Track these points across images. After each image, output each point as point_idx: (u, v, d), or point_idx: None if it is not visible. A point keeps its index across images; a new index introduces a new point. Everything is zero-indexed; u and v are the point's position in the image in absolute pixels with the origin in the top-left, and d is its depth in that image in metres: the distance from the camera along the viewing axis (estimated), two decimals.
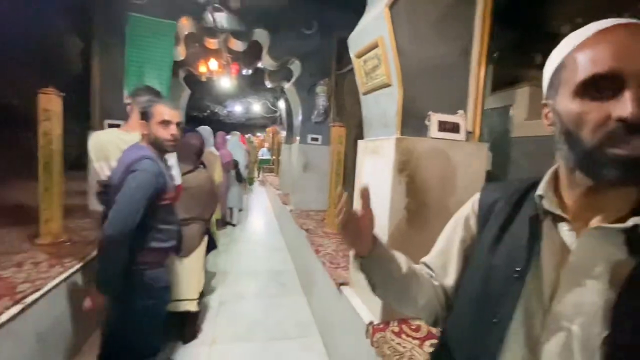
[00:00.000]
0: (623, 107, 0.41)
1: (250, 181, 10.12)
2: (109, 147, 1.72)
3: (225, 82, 6.20)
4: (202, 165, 2.72)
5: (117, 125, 3.76)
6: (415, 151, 1.62)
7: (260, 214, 7.32)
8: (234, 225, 5.82)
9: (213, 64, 5.01)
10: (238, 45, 4.62)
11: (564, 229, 0.51)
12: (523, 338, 0.51)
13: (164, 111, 1.56)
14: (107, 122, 3.70)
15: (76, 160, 4.26)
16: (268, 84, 6.02)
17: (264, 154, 12.70)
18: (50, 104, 2.52)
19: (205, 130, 3.82)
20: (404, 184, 1.61)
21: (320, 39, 4.45)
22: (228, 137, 5.99)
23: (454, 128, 1.71)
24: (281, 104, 7.16)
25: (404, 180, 1.61)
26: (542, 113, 0.55)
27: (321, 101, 4.51)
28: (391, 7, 1.54)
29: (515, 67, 2.61)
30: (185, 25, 4.11)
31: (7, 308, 1.51)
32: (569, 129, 0.47)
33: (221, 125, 9.58)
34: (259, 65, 5.75)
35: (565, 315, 0.48)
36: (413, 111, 1.67)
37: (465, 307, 0.62)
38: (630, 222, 0.45)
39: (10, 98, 4.40)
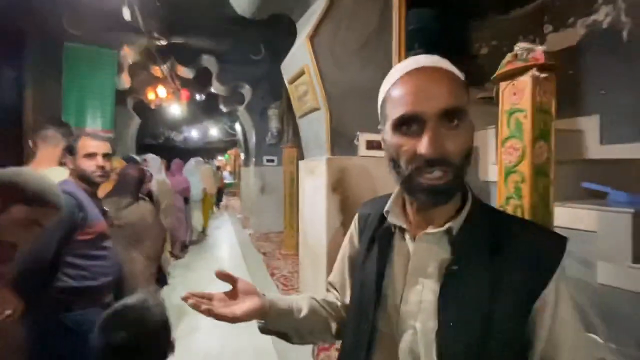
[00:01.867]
0: (422, 145, 0.48)
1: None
2: None
3: (176, 109, 6.10)
4: (146, 197, 2.62)
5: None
6: (346, 170, 1.71)
7: (222, 241, 7.10)
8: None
9: (161, 91, 4.93)
10: (186, 72, 4.60)
11: (407, 238, 0.58)
12: (386, 340, 0.57)
13: (87, 144, 1.52)
14: None
15: None
16: (223, 109, 6.02)
17: (226, 177, 12.48)
18: None
19: (152, 159, 3.71)
20: (338, 202, 1.68)
21: (270, 63, 4.56)
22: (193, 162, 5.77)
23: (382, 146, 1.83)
24: (238, 127, 7.16)
25: (337, 198, 1.69)
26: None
27: (274, 124, 4.58)
28: (311, 37, 1.66)
29: None
30: (129, 53, 4.05)
31: None
32: (393, 157, 0.53)
33: (178, 152, 9.34)
34: (212, 90, 5.75)
35: (411, 314, 0.55)
36: (342, 132, 1.76)
37: (350, 317, 0.67)
38: (446, 225, 0.53)
39: None
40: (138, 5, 2.84)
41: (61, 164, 1.66)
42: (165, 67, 4.39)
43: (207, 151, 12.58)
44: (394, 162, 0.53)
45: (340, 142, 1.77)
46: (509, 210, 0.98)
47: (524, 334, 0.50)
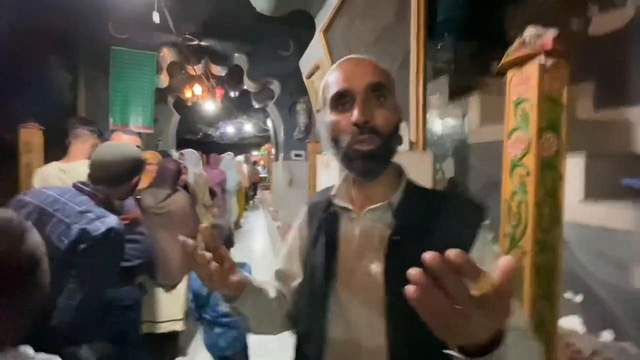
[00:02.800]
0: (353, 114, 0.56)
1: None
2: (51, 179, 1.74)
3: (211, 106, 6.39)
4: (183, 188, 2.81)
5: None
6: None
7: (253, 231, 7.38)
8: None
9: (197, 89, 5.21)
10: (219, 70, 4.81)
11: (353, 218, 0.64)
12: (339, 315, 0.61)
13: (120, 138, 1.68)
14: None
15: None
16: (255, 105, 6.21)
17: (260, 172, 12.87)
18: (31, 138, 2.67)
19: (189, 153, 3.95)
20: None
21: (298, 59, 4.62)
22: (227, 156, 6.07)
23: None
24: (269, 123, 7.34)
25: None
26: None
27: (301, 119, 4.65)
28: (325, 31, 1.67)
29: (470, 77, 2.72)
30: (167, 54, 4.33)
31: None
32: (333, 135, 0.61)
33: (215, 147, 9.81)
34: (244, 87, 5.95)
35: (360, 288, 0.59)
36: None
37: (304, 303, 0.69)
38: (386, 201, 0.60)
39: (1, 131, 4.62)
40: (168, 9, 3.02)
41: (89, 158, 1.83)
42: (199, 66, 4.62)
43: (242, 146, 13.04)
44: (334, 140, 0.61)
45: None
46: (513, 206, 0.93)
47: None
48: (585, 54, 2.38)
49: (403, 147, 1.82)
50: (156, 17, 2.70)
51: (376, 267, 0.58)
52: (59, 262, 0.95)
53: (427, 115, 2.86)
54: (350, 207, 0.64)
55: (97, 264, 1.00)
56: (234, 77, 5.46)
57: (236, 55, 4.55)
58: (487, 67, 3.02)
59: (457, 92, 2.77)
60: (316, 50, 1.75)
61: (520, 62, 0.91)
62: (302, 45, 4.65)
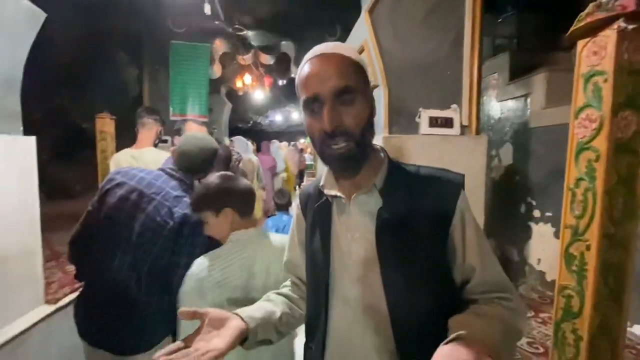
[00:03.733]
0: (322, 121, 0.57)
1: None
2: (123, 164, 1.86)
3: (260, 94, 6.57)
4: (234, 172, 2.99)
5: (165, 141, 4.30)
6: (404, 148, 1.65)
7: None
8: None
9: (247, 78, 5.38)
10: (267, 59, 4.90)
11: (344, 204, 0.66)
12: (340, 298, 0.65)
13: (191, 127, 1.85)
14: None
15: None
16: None
17: (307, 159, 13.07)
18: (105, 126, 3.00)
19: (239, 140, 4.16)
20: None
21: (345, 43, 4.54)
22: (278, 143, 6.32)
23: (447, 123, 1.69)
24: None
25: None
26: None
27: None
28: (371, 11, 1.60)
29: (534, 53, 2.44)
30: (219, 46, 4.52)
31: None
32: (309, 135, 0.63)
33: (264, 134, 10.15)
34: (292, 75, 6.02)
35: (358, 269, 0.63)
36: (402, 109, 1.69)
37: (309, 289, 0.74)
38: (370, 184, 0.63)
39: (81, 122, 5.24)
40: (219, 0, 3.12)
41: (155, 145, 2.00)
42: (249, 55, 4.76)
43: (290, 134, 13.31)
44: (311, 139, 0.62)
45: (400, 120, 1.70)
46: (578, 194, 0.82)
47: (446, 255, 0.61)
48: None
49: (453, 131, 1.71)
50: (207, 9, 2.82)
51: (371, 243, 0.61)
52: (166, 239, 1.09)
53: (484, 97, 2.65)
54: (339, 194, 0.66)
55: (199, 242, 1.12)
56: (282, 65, 5.53)
57: (283, 43, 4.59)
58: (555, 42, 2.67)
59: (520, 71, 2.51)
60: (361, 31, 1.70)
61: (594, 29, 0.78)
62: (349, 29, 4.53)
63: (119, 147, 2.90)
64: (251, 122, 11.83)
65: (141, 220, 1.10)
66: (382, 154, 0.68)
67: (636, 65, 0.74)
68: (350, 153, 0.58)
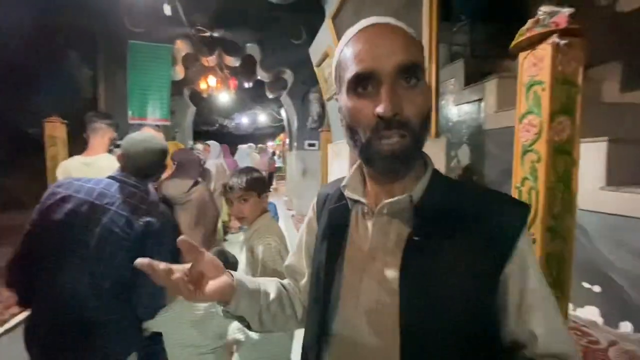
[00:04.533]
0: (379, 104, 0.45)
1: None
2: (74, 173, 1.77)
3: (225, 97, 6.45)
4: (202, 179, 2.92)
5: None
6: None
7: None
8: None
9: (212, 80, 5.26)
10: (232, 61, 4.83)
11: (366, 213, 0.56)
12: (345, 321, 0.53)
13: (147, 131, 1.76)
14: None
15: None
16: (269, 95, 6.22)
17: (277, 161, 12.99)
18: (56, 131, 2.79)
19: (214, 145, 4.12)
20: None
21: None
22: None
23: None
24: (283, 113, 7.36)
25: None
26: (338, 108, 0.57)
27: (314, 108, 4.63)
28: (334, 18, 1.64)
29: (487, 60, 2.62)
30: (181, 47, 4.37)
31: None
32: (349, 124, 0.50)
33: (231, 137, 9.94)
34: (258, 77, 5.97)
35: (371, 293, 0.51)
36: None
37: (310, 302, 0.63)
38: (406, 194, 0.50)
39: (26, 126, 4.85)
40: (180, 0, 3.03)
41: (109, 151, 1.89)
42: (213, 57, 4.66)
43: (257, 137, 13.16)
44: (351, 130, 0.50)
45: None
46: (524, 192, 0.91)
47: (491, 308, 0.47)
48: (613, 32, 2.24)
49: None
50: (167, 10, 2.73)
51: (391, 272, 0.50)
52: (128, 251, 1.03)
53: (443, 101, 2.79)
54: (363, 200, 0.55)
55: (165, 250, 1.08)
56: (248, 67, 5.47)
57: (248, 45, 4.54)
58: (505, 50, 2.90)
59: (474, 76, 2.69)
60: (325, 37, 1.73)
61: (533, 43, 0.87)
62: (314, 34, 4.58)
63: (71, 154, 2.71)
64: (217, 125, 11.56)
65: (97, 235, 1.02)
66: (425, 160, 0.55)
67: (568, 76, 0.83)
68: (404, 151, 0.46)
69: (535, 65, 0.86)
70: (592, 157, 1.48)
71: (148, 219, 1.06)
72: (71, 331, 1.04)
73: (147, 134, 1.26)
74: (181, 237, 0.48)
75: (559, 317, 0.48)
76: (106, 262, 1.03)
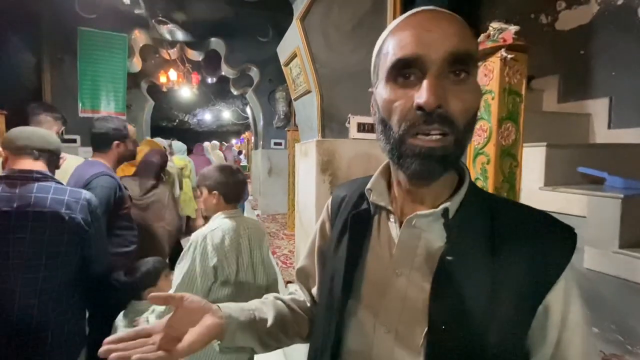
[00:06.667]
0: (421, 94, 0.39)
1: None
2: None
3: (187, 92, 6.21)
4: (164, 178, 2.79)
5: (74, 140, 3.76)
6: (336, 152, 1.74)
7: None
8: None
9: (172, 74, 5.03)
10: (195, 55, 4.66)
11: (392, 222, 0.50)
12: (358, 343, 0.49)
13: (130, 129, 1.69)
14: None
15: None
16: (234, 91, 6.07)
17: (242, 160, 12.71)
18: None
19: (178, 144, 3.96)
20: (328, 183, 1.73)
21: (277, 45, 4.55)
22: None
23: (374, 128, 1.84)
24: (249, 110, 7.23)
25: (327, 179, 1.73)
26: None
27: (281, 107, 4.61)
28: (302, 19, 1.66)
29: None
30: (139, 37, 4.13)
31: None
32: (383, 118, 0.44)
33: (192, 134, 9.55)
34: (222, 73, 5.80)
35: (392, 314, 0.46)
36: (334, 115, 1.79)
37: (319, 317, 0.58)
38: (441, 207, 0.44)
39: None
40: None
41: None
42: (174, 50, 4.46)
43: (221, 134, 12.79)
44: (384, 124, 0.44)
45: (332, 125, 1.79)
46: None
47: (527, 339, 0.42)
48: (553, 48, 2.50)
49: (368, 135, 1.86)
50: None
51: (416, 292, 0.45)
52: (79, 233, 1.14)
53: None
54: (390, 207, 0.50)
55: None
56: (212, 62, 5.30)
57: (213, 39, 4.41)
58: None
59: None
60: (293, 38, 1.75)
61: (485, 55, 0.96)
62: (281, 32, 4.56)
63: None
64: (177, 120, 11.05)
65: (29, 237, 1.04)
66: (462, 169, 0.49)
67: (514, 87, 0.92)
68: (445, 150, 0.40)
69: (486, 76, 0.95)
70: (532, 160, 1.64)
71: (88, 198, 1.18)
72: (18, 343, 0.99)
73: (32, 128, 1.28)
74: (151, 294, 0.46)
75: (598, 358, 0.47)
76: (49, 262, 1.07)
